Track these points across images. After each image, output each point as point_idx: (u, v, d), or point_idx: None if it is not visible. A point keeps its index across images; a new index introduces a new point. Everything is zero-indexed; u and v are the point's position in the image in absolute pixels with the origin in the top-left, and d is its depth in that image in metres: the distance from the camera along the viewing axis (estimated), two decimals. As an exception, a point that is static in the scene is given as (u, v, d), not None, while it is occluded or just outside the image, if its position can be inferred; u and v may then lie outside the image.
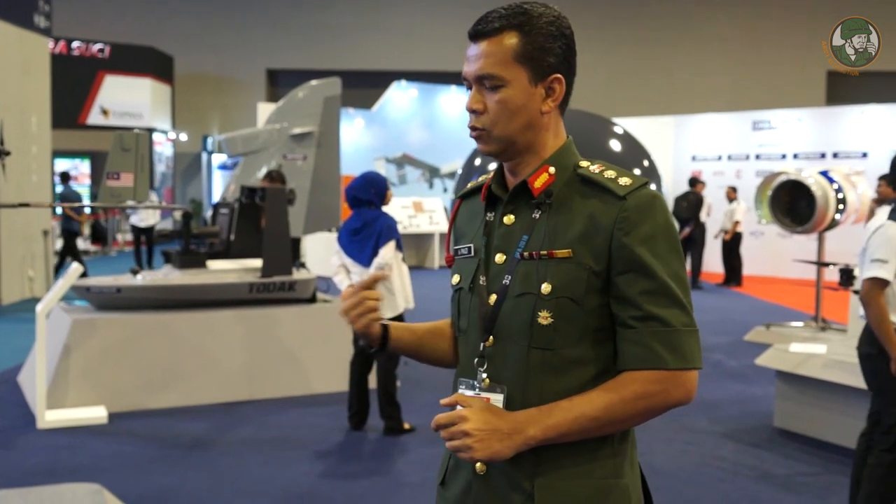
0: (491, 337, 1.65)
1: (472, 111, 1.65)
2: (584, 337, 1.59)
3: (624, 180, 1.60)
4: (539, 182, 1.64)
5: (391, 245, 5.63)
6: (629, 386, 1.54)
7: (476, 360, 1.67)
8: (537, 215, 1.64)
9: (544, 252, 1.60)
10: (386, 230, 5.63)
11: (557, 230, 1.61)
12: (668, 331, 1.54)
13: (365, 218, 5.68)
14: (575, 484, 1.59)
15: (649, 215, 1.57)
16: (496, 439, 1.52)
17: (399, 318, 5.77)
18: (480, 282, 1.69)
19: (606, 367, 1.61)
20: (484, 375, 1.65)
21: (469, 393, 1.66)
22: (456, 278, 1.78)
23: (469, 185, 1.87)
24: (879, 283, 3.85)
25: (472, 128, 1.66)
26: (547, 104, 1.65)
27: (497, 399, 1.61)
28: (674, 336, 1.55)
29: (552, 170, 1.65)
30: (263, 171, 9.13)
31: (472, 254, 1.74)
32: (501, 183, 1.73)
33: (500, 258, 1.67)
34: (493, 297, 1.65)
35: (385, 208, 5.86)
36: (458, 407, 1.59)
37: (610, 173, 1.62)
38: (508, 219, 1.68)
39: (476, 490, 1.65)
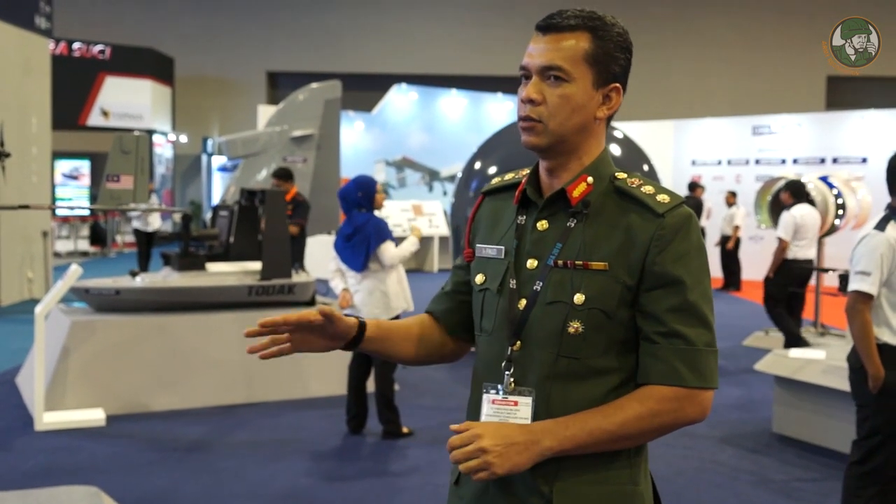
0: (519, 342, 1.65)
1: (529, 100, 1.63)
2: (611, 348, 1.61)
3: (662, 197, 1.62)
4: (577, 191, 1.65)
5: (389, 244, 5.64)
6: (646, 402, 1.57)
7: (503, 363, 1.67)
8: (572, 224, 1.64)
9: (579, 262, 1.61)
10: (376, 232, 5.62)
11: (594, 242, 1.62)
12: (691, 349, 1.57)
13: (356, 223, 5.69)
14: (593, 489, 1.61)
15: (684, 234, 1.60)
16: (514, 452, 1.54)
17: (395, 319, 5.77)
18: (510, 285, 1.68)
19: (629, 378, 1.63)
20: (510, 379, 1.65)
21: (494, 396, 1.66)
22: (480, 278, 1.76)
23: (494, 182, 1.86)
24: (863, 297, 3.75)
25: (526, 118, 1.64)
26: (602, 111, 1.67)
27: (525, 402, 1.62)
28: (696, 355, 1.57)
29: (590, 180, 1.66)
30: (263, 173, 9.13)
31: (503, 256, 1.73)
32: (536, 186, 1.72)
33: (531, 263, 1.67)
34: (523, 302, 1.66)
35: (385, 211, 5.87)
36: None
37: (648, 188, 1.64)
38: (542, 224, 1.68)
39: (493, 491, 1.66)
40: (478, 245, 1.80)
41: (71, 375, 6.17)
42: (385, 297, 5.68)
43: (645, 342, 1.60)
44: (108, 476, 4.95)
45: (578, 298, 1.59)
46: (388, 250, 5.64)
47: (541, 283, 1.63)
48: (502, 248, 1.73)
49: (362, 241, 5.63)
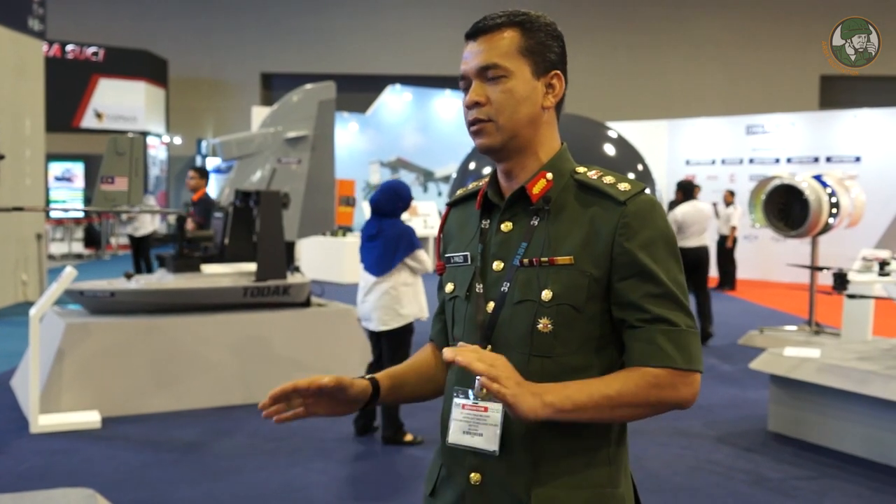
0: (489, 345, 1.63)
1: (474, 104, 1.64)
2: (584, 344, 1.59)
3: (623, 186, 1.60)
4: (537, 188, 1.64)
5: (421, 253, 5.61)
6: (642, 375, 1.52)
7: None
8: (535, 222, 1.63)
9: (545, 259, 1.59)
10: (408, 241, 5.56)
11: (558, 237, 1.60)
12: (676, 330, 1.54)
13: (381, 224, 5.61)
14: (572, 493, 1.57)
15: (650, 221, 1.58)
16: (528, 392, 1.44)
17: (404, 328, 5.68)
18: (477, 289, 1.67)
19: (605, 374, 1.60)
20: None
21: (464, 401, 1.62)
22: (450, 286, 1.76)
23: (459, 193, 1.86)
24: None
25: (475, 120, 1.64)
26: (548, 99, 1.66)
27: (496, 408, 1.58)
28: (681, 335, 1.55)
29: (549, 176, 1.65)
30: (258, 174, 9.12)
31: (469, 262, 1.72)
32: (497, 190, 1.72)
33: (497, 265, 1.65)
34: (491, 305, 1.64)
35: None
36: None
37: (608, 179, 1.63)
38: (506, 226, 1.67)
39: (470, 501, 1.63)
40: (446, 255, 1.80)
41: (66, 378, 6.16)
42: (398, 304, 5.58)
43: (628, 329, 1.57)
44: (103, 478, 4.94)
45: (546, 295, 1.58)
46: (423, 259, 5.63)
47: (508, 284, 1.62)
48: (468, 254, 1.72)
49: (387, 245, 5.54)
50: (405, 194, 5.70)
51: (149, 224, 13.52)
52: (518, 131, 1.63)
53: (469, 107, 1.65)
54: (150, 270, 13.42)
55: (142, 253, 13.46)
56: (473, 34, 1.66)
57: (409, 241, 5.56)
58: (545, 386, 1.49)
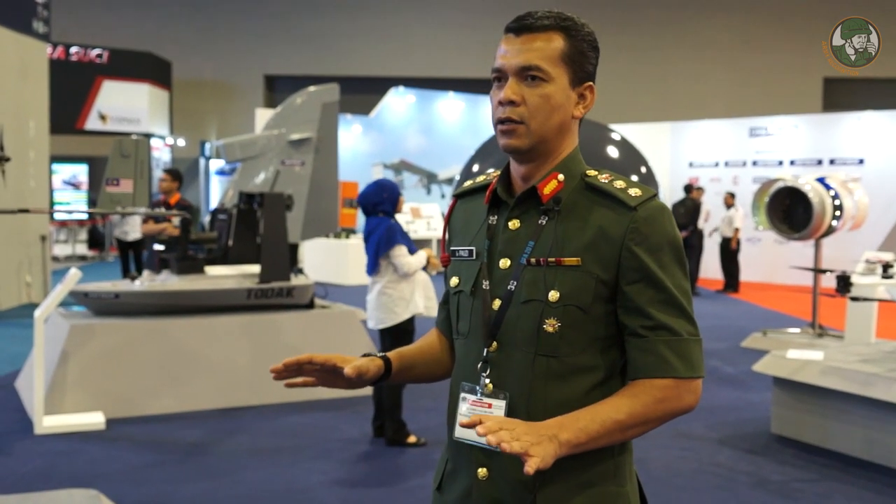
0: (495, 342, 1.64)
1: (509, 102, 1.62)
2: (590, 345, 1.60)
3: (634, 191, 1.61)
4: (548, 189, 1.65)
5: (401, 249, 5.54)
6: (647, 391, 1.55)
7: (479, 364, 1.66)
8: (544, 222, 1.64)
9: (552, 259, 1.60)
10: (387, 237, 5.52)
11: (566, 238, 1.61)
12: (677, 339, 1.57)
13: (370, 226, 5.64)
14: (577, 492, 1.59)
15: (658, 227, 1.59)
16: (545, 441, 1.42)
17: (399, 327, 5.68)
18: (483, 286, 1.67)
19: (610, 375, 1.62)
20: (487, 381, 1.64)
21: (472, 397, 1.65)
22: (455, 280, 1.76)
23: (466, 185, 1.86)
24: None
25: (506, 119, 1.62)
26: (579, 109, 1.67)
27: (499, 405, 1.60)
28: (682, 344, 1.57)
29: (561, 177, 1.66)
30: (262, 176, 9.14)
31: (475, 257, 1.72)
32: (506, 186, 1.72)
33: (504, 263, 1.66)
34: (498, 303, 1.65)
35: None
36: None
37: (619, 183, 1.64)
38: (514, 224, 1.67)
39: (476, 496, 1.64)
40: (451, 248, 1.80)
41: (70, 379, 6.18)
42: (391, 302, 5.59)
43: (631, 337, 1.59)
44: (107, 479, 4.95)
45: (553, 295, 1.59)
46: (399, 255, 5.53)
47: (515, 283, 1.63)
48: (473, 248, 1.73)
49: (373, 244, 5.57)
50: (390, 186, 5.75)
51: (139, 229, 11.77)
52: (547, 137, 1.64)
53: (502, 103, 1.63)
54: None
55: (135, 259, 11.95)
56: (517, 30, 1.64)
57: (388, 238, 5.53)
58: (558, 422, 1.49)
